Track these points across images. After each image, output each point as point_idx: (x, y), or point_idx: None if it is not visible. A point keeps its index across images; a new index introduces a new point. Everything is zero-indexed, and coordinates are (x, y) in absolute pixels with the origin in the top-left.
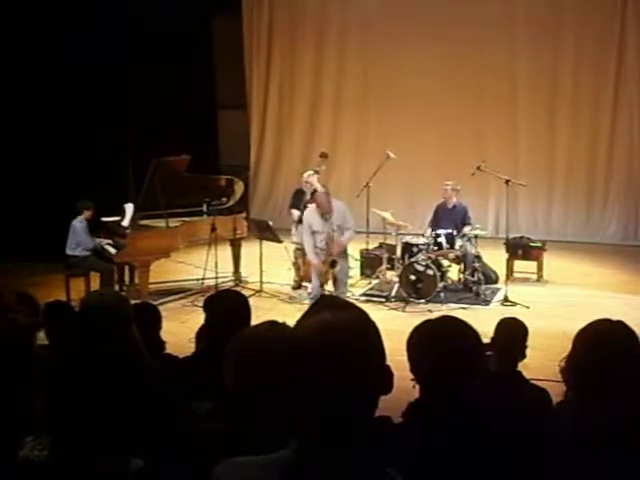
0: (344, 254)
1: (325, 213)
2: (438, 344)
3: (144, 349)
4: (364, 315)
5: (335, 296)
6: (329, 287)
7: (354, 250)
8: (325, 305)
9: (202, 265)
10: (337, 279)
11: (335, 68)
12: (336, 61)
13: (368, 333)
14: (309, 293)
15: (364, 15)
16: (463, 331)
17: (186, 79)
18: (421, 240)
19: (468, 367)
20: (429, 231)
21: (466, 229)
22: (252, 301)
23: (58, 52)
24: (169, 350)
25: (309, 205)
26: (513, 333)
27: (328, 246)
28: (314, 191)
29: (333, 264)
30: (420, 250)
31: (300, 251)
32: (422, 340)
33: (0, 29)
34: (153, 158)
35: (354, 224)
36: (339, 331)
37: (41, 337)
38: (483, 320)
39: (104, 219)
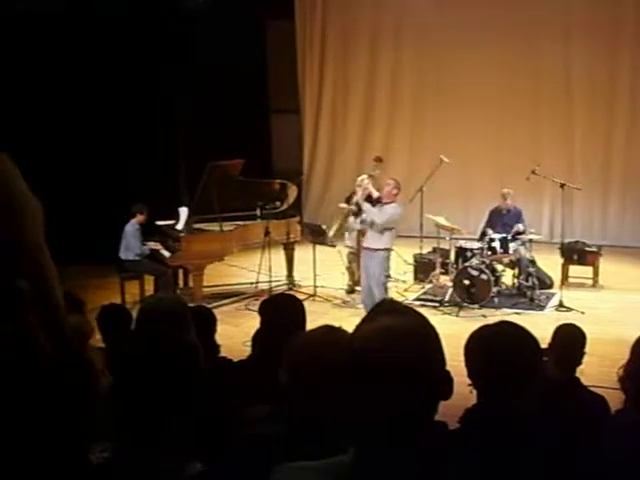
0: (380, 258)
1: (380, 200)
2: (496, 349)
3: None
4: (424, 320)
5: (395, 300)
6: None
7: (408, 254)
8: (385, 310)
9: (256, 269)
10: (371, 284)
11: (389, 72)
12: (390, 65)
13: (429, 338)
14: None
15: (418, 19)
16: (521, 336)
17: (239, 83)
18: (475, 244)
19: (526, 372)
20: (488, 232)
21: (519, 226)
22: (305, 305)
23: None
24: (223, 353)
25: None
26: (572, 339)
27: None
28: (369, 196)
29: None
30: (474, 254)
31: (353, 255)
32: (480, 345)
33: (61, 28)
34: (207, 162)
35: (388, 221)
36: (400, 336)
37: (97, 339)
38: (537, 325)
39: (159, 223)
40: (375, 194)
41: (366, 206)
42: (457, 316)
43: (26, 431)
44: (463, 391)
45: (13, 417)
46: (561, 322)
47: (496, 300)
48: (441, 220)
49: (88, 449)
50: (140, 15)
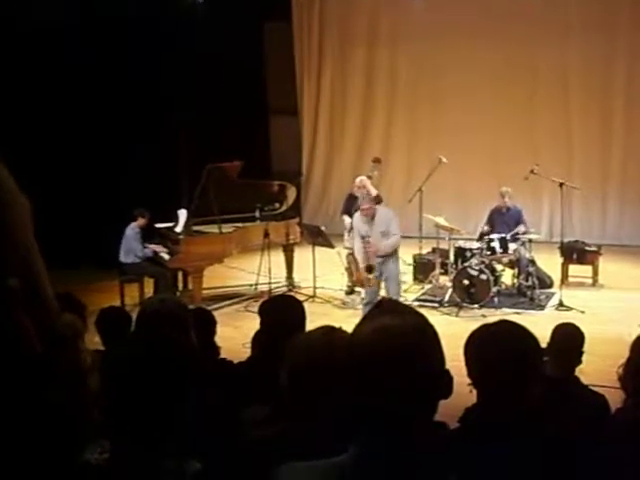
0: (394, 257)
1: (366, 216)
2: (496, 348)
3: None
4: (423, 319)
5: (395, 300)
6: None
7: (407, 255)
8: (385, 309)
9: (255, 270)
10: (387, 282)
11: (386, 74)
12: (387, 66)
13: (428, 337)
14: (362, 298)
15: (414, 17)
16: (522, 335)
17: (238, 85)
18: (474, 244)
19: (527, 372)
20: (485, 229)
21: (520, 228)
22: (305, 306)
23: (110, 65)
24: (223, 355)
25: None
26: (570, 339)
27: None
28: (367, 194)
29: (369, 269)
30: (473, 254)
31: (353, 256)
32: (480, 344)
33: (61, 35)
34: (206, 164)
35: (400, 231)
36: (400, 335)
37: (96, 342)
38: (538, 325)
39: (158, 225)
40: (373, 192)
41: (382, 245)
42: (457, 316)
43: (15, 429)
44: (463, 391)
45: (2, 415)
46: (560, 322)
47: (496, 300)
48: (440, 220)
49: (82, 448)
50: (137, 18)
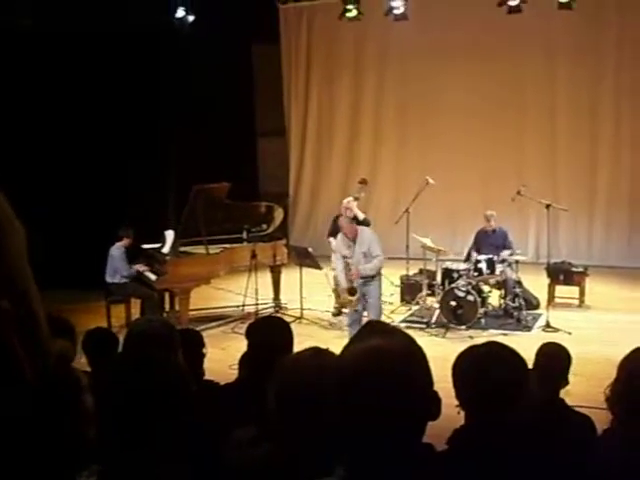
0: (375, 280)
1: (348, 238)
2: (484, 370)
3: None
4: (411, 340)
5: (383, 322)
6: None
7: (394, 276)
8: (373, 331)
9: (242, 292)
10: (368, 305)
11: (373, 94)
12: (374, 88)
13: (417, 359)
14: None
15: (402, 45)
16: (509, 357)
17: (226, 107)
18: (461, 266)
19: (514, 393)
20: (474, 255)
21: (505, 253)
22: (292, 327)
23: (97, 81)
24: (210, 377)
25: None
26: (556, 359)
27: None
28: (354, 218)
29: (351, 291)
30: (460, 276)
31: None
32: (468, 366)
33: (54, 51)
34: (194, 185)
35: (382, 252)
36: (389, 357)
37: (82, 362)
38: (524, 346)
39: (145, 246)
40: (361, 216)
41: (363, 268)
42: (444, 337)
43: (9, 455)
44: (451, 412)
45: None
46: (544, 341)
47: (483, 321)
48: (427, 241)
49: (77, 470)
50: (124, 38)
